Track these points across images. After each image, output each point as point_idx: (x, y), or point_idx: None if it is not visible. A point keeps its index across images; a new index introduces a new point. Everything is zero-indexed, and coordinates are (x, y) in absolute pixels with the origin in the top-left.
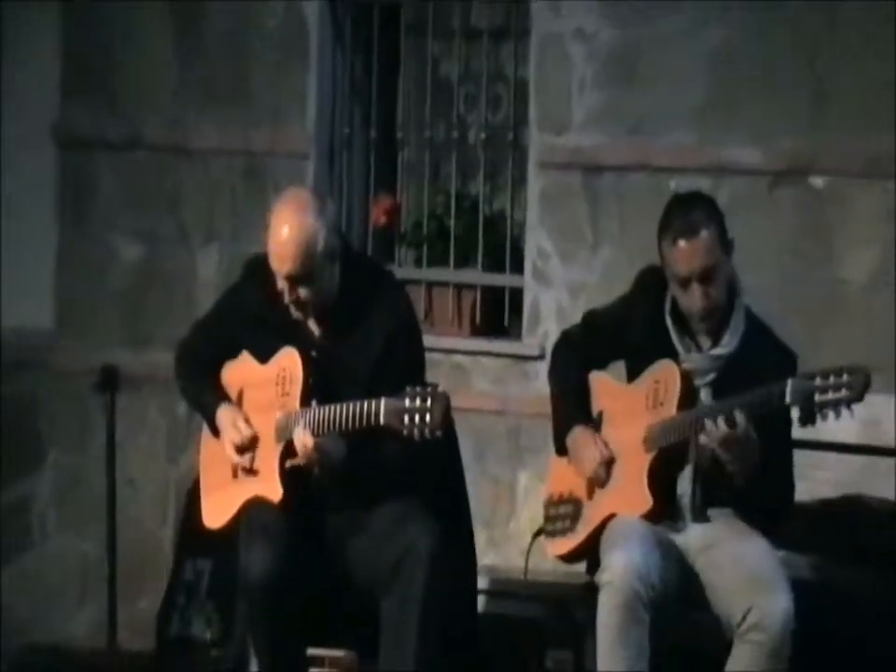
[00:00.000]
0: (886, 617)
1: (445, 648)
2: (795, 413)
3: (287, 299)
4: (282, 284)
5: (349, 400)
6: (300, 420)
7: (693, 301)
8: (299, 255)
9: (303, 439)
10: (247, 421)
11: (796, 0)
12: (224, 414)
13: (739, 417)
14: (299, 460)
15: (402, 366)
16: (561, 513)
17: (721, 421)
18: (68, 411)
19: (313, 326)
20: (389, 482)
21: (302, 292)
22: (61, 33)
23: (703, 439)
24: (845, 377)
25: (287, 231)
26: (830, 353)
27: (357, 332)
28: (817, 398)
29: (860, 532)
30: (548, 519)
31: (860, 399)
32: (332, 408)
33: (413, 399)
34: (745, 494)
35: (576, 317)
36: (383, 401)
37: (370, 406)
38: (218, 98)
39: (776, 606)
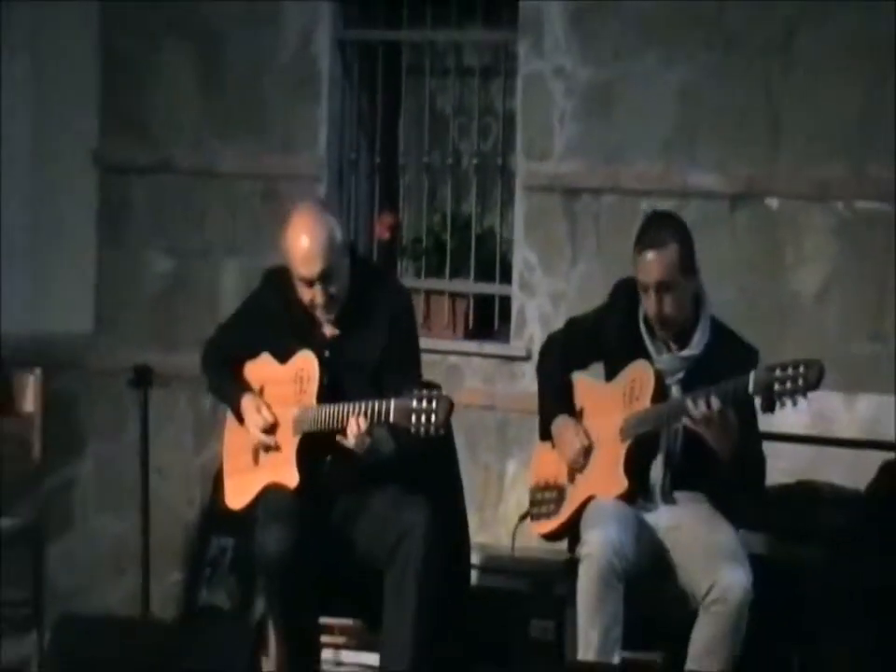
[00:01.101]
0: (832, 587)
1: (440, 616)
2: (758, 402)
3: (319, 301)
4: (310, 290)
5: (360, 391)
6: (338, 411)
7: (649, 306)
8: (324, 253)
9: (358, 422)
10: (269, 408)
11: (753, 43)
12: (248, 402)
13: (715, 402)
14: (349, 442)
15: (404, 357)
16: (546, 498)
17: (701, 404)
18: (106, 405)
19: (325, 328)
20: (396, 468)
21: (331, 289)
22: (99, 71)
23: (686, 421)
24: (801, 369)
25: (309, 235)
26: (784, 356)
27: (364, 329)
28: (776, 387)
29: (810, 513)
30: (533, 503)
31: (815, 388)
32: (346, 405)
33: (419, 401)
34: (729, 469)
35: (557, 323)
36: (393, 402)
37: (380, 405)
38: (239, 127)
39: (736, 581)
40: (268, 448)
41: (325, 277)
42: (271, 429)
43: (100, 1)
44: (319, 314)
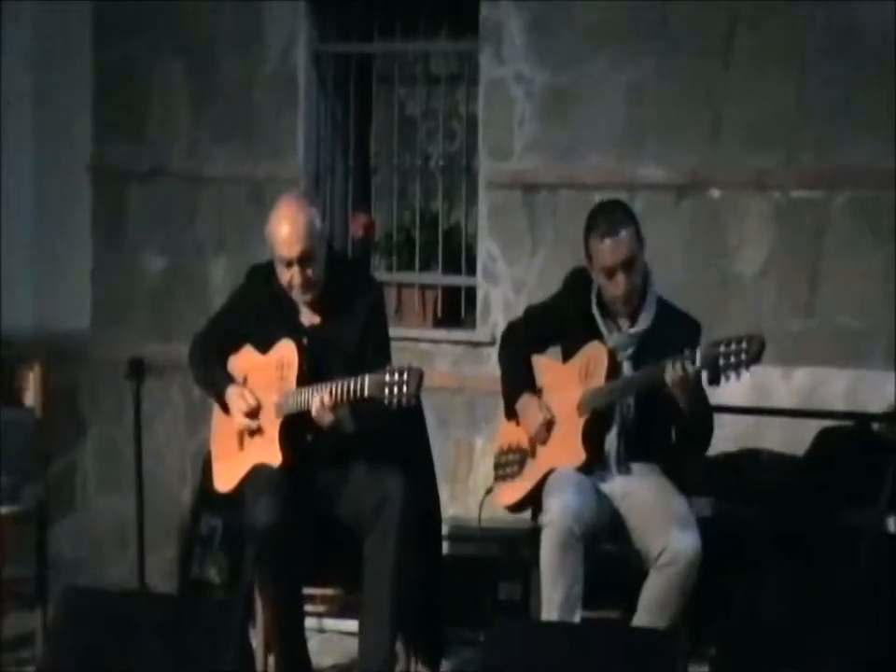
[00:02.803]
0: (769, 542)
1: (416, 580)
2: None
3: (296, 281)
4: (288, 271)
5: (338, 374)
6: (313, 392)
7: (617, 286)
8: (304, 236)
9: (321, 403)
10: (252, 393)
11: (694, 47)
12: (233, 391)
13: (689, 367)
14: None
15: (377, 342)
16: (509, 460)
17: (679, 367)
18: (105, 394)
19: (304, 317)
20: (371, 442)
21: (309, 271)
22: (93, 83)
23: (668, 378)
24: (744, 344)
25: (290, 220)
26: (727, 332)
27: (341, 316)
28: (721, 362)
29: (751, 477)
30: (498, 466)
31: (757, 361)
32: (324, 385)
33: (392, 374)
34: (685, 429)
35: (519, 310)
36: (367, 377)
37: (356, 382)
38: (227, 135)
39: (685, 544)
40: (252, 432)
41: (303, 259)
42: (254, 413)
43: (94, 14)
44: (296, 295)
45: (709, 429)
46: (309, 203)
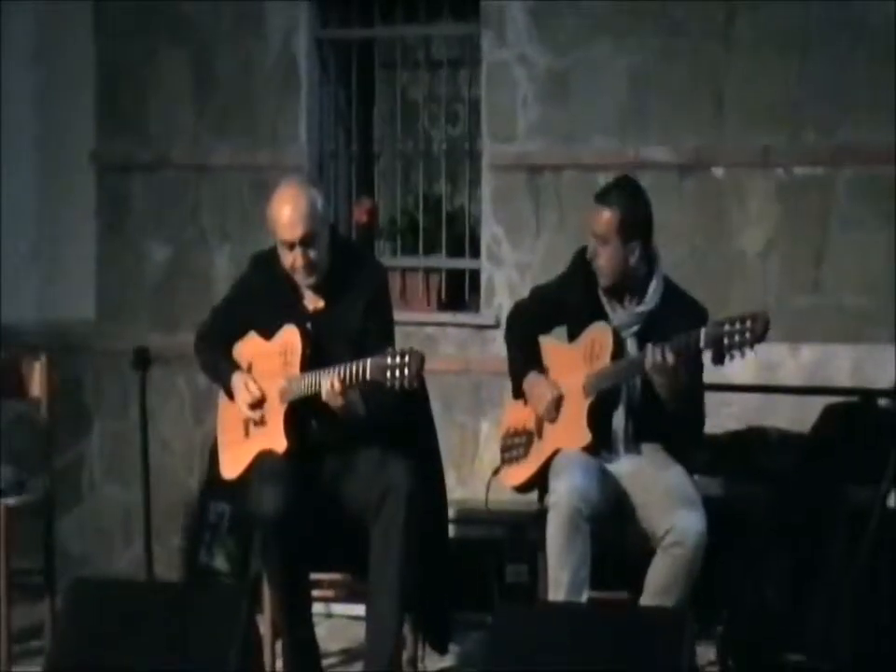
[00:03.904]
0: (776, 520)
1: (423, 565)
2: (707, 356)
3: (299, 264)
4: (290, 253)
5: (343, 359)
6: (317, 377)
7: (593, 253)
8: (306, 217)
9: (332, 385)
10: (256, 383)
11: (696, 28)
12: (237, 380)
13: (669, 355)
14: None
15: (380, 327)
16: (515, 443)
17: (657, 354)
18: (110, 385)
19: (308, 302)
20: (377, 428)
21: (311, 253)
22: (96, 75)
23: (647, 364)
24: (748, 323)
25: (292, 202)
26: (732, 310)
27: (344, 302)
28: (725, 341)
29: (759, 456)
30: (504, 449)
31: (761, 340)
32: (327, 370)
33: (393, 357)
34: (672, 415)
35: (524, 292)
36: (368, 361)
37: (358, 365)
38: (229, 124)
39: (692, 525)
40: (256, 422)
41: (305, 241)
42: (258, 404)
43: (95, 7)
44: (299, 278)
45: (696, 419)
46: (310, 185)
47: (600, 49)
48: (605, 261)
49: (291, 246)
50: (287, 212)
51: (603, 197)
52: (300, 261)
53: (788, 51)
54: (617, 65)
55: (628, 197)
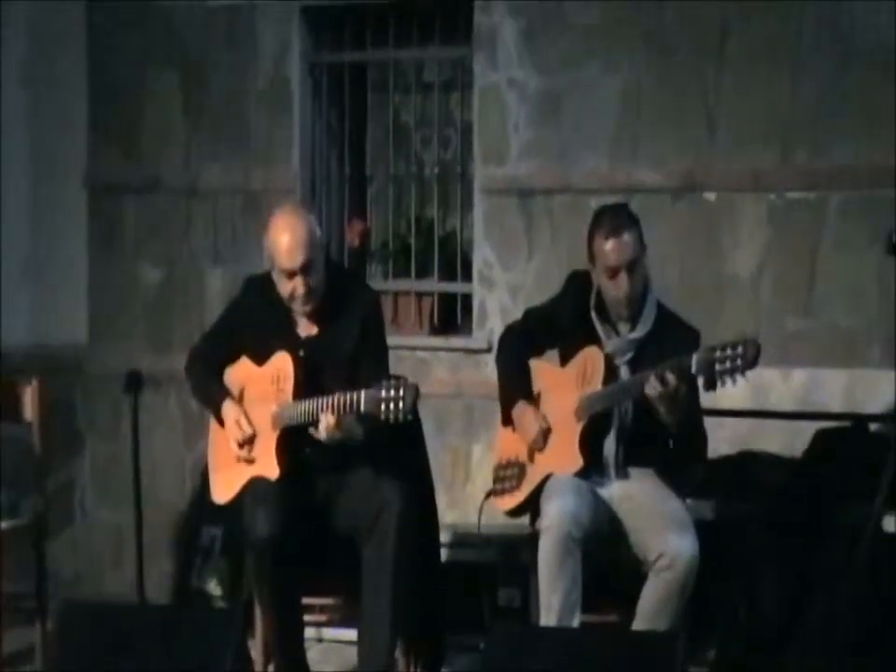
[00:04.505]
0: (768, 543)
1: (415, 587)
2: (701, 381)
3: (299, 292)
4: (290, 282)
5: (336, 385)
6: (310, 406)
7: (619, 287)
8: (305, 245)
9: (328, 419)
10: (247, 416)
11: (686, 50)
12: (228, 410)
13: (670, 377)
14: (321, 436)
15: (374, 353)
16: (508, 475)
17: (655, 381)
18: (102, 408)
19: (301, 328)
20: (369, 450)
21: (311, 281)
22: (89, 97)
23: (649, 390)
24: (739, 349)
25: (291, 230)
26: (724, 333)
27: (338, 328)
28: (717, 367)
29: (751, 479)
30: (496, 480)
31: (753, 366)
32: (320, 399)
33: (388, 390)
34: (675, 438)
35: (516, 315)
36: (363, 393)
37: (352, 396)
38: (221, 147)
39: (684, 549)
40: (245, 460)
41: (306, 269)
42: (248, 441)
43: (87, 29)
44: (297, 306)
45: (700, 438)
46: (306, 212)
47: (591, 71)
48: (633, 287)
49: (291, 275)
50: (286, 240)
51: (614, 226)
52: (300, 290)
53: (779, 73)
54: (608, 87)
55: (628, 216)
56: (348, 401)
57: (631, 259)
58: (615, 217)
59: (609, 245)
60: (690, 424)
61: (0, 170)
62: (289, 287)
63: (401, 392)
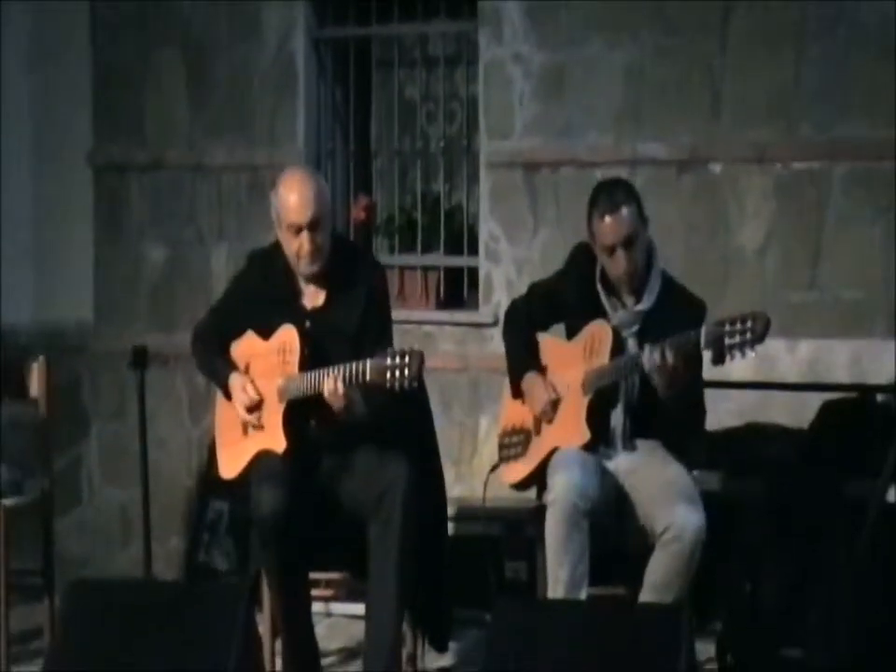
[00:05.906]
0: (774, 515)
1: (422, 562)
2: (707, 355)
3: (305, 249)
4: (297, 238)
5: (341, 358)
6: (316, 377)
7: (618, 265)
8: (314, 201)
9: (335, 386)
10: (254, 384)
11: (691, 24)
12: (234, 381)
13: (668, 353)
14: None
15: (379, 325)
16: (514, 442)
17: (656, 356)
18: (108, 386)
19: (306, 301)
20: (375, 426)
21: (318, 238)
22: (93, 76)
23: (646, 365)
24: (749, 323)
25: (299, 187)
26: (730, 306)
27: (344, 299)
28: (726, 341)
29: (757, 451)
30: (502, 447)
31: (762, 340)
32: (326, 370)
33: (393, 358)
34: (673, 414)
35: (522, 289)
36: (368, 361)
37: (358, 366)
38: (225, 125)
39: (691, 521)
40: (253, 426)
41: (313, 225)
42: (256, 407)
43: (91, 9)
44: (304, 266)
45: (699, 411)
46: (316, 173)
47: (596, 46)
48: (634, 263)
49: (298, 231)
50: (296, 196)
51: (610, 203)
52: (306, 247)
53: (783, 47)
54: (613, 62)
55: (627, 191)
56: (354, 371)
57: (627, 235)
58: (610, 194)
59: (605, 223)
60: (688, 397)
61: (4, 149)
62: (295, 245)
63: (406, 359)
